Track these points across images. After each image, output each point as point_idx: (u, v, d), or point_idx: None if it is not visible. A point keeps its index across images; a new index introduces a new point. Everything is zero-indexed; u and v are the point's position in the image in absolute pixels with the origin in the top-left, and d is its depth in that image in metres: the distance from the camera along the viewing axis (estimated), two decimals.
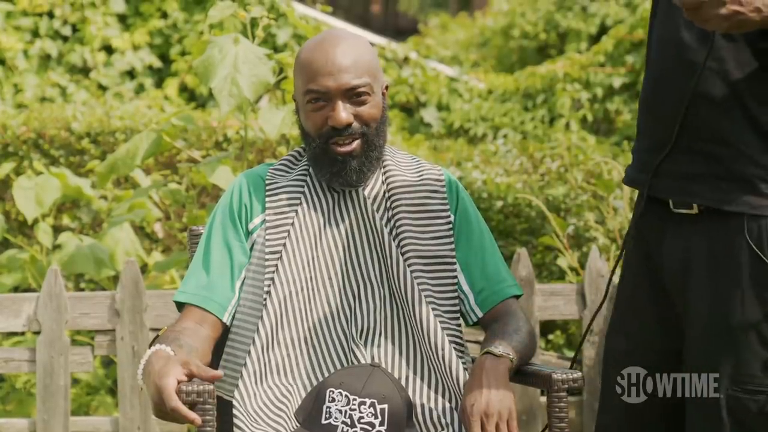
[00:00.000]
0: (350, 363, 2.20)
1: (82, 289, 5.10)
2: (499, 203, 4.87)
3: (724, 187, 2.08)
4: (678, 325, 2.20)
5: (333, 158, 2.21)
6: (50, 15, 7.38)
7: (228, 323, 2.24)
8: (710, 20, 1.94)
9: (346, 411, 2.10)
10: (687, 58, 2.12)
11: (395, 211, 2.28)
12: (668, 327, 2.22)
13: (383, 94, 2.28)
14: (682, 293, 2.16)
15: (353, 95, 2.20)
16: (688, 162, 2.12)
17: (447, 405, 2.19)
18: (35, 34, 7.38)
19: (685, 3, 1.94)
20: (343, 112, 2.19)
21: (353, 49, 2.22)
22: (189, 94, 7.36)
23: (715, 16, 1.93)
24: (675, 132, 2.12)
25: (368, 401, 2.11)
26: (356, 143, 2.21)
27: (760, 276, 2.06)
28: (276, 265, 2.21)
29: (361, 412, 2.10)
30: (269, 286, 2.20)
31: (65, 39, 7.43)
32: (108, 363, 4.58)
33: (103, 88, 7.36)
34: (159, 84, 7.48)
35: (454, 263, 2.28)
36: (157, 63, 7.43)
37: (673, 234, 2.17)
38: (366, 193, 2.28)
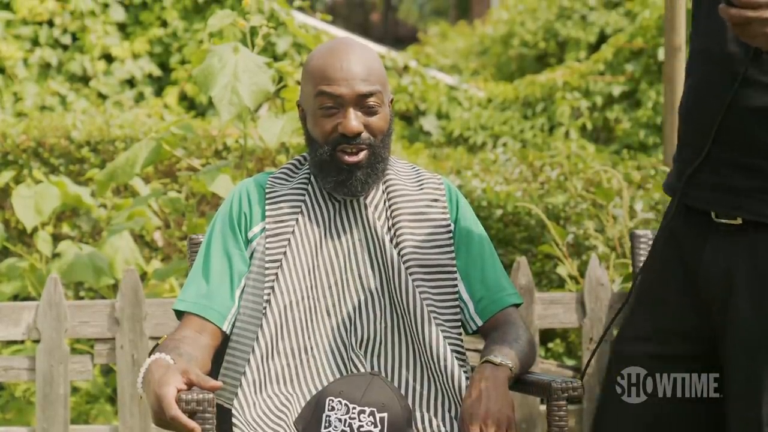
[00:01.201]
0: (350, 372, 2.20)
1: (82, 298, 5.10)
2: (499, 212, 4.87)
3: None
4: (707, 333, 2.18)
5: (339, 167, 2.21)
6: (50, 24, 7.39)
7: (228, 332, 2.23)
8: (757, 37, 1.94)
9: (345, 420, 2.10)
10: (731, 69, 2.11)
11: (396, 219, 2.28)
12: (697, 336, 2.20)
13: (389, 107, 2.28)
14: (723, 306, 2.14)
15: (365, 104, 2.20)
16: (734, 175, 2.11)
17: (447, 414, 2.18)
18: (35, 42, 7.39)
19: (732, 18, 1.93)
20: (354, 121, 2.19)
21: (366, 59, 2.23)
22: (189, 103, 7.37)
23: (763, 34, 1.93)
24: (710, 142, 2.11)
25: (368, 410, 2.11)
26: (363, 154, 2.20)
27: None
28: (276, 274, 2.21)
29: (360, 420, 2.10)
30: (269, 294, 2.20)
31: (65, 48, 7.44)
32: (107, 371, 4.58)
33: (102, 96, 7.37)
34: (159, 93, 7.49)
35: (455, 272, 2.28)
36: (157, 72, 7.44)
37: (715, 244, 2.15)
38: (367, 201, 2.28)
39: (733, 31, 1.96)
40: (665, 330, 2.25)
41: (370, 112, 2.21)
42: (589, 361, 2.37)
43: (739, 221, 2.11)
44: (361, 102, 2.20)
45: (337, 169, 2.21)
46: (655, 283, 2.29)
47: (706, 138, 2.12)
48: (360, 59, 2.21)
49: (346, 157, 2.20)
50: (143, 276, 4.72)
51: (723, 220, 2.13)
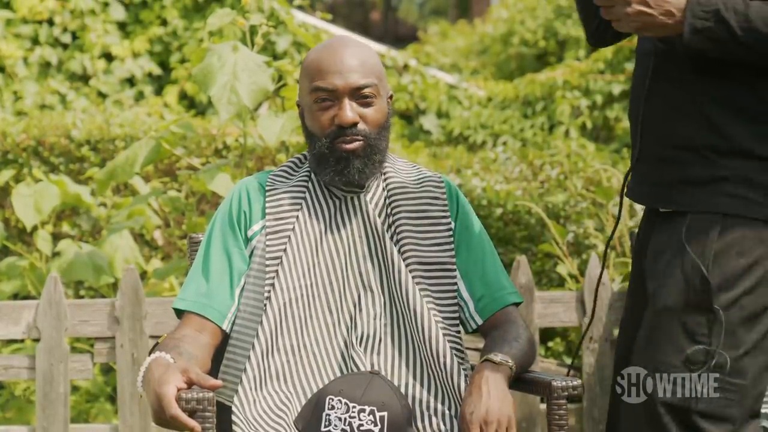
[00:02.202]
0: (350, 370, 2.20)
1: (82, 297, 5.10)
2: (499, 210, 4.87)
3: (689, 190, 2.11)
4: None
5: (337, 156, 2.21)
6: (50, 22, 7.39)
7: (227, 330, 2.24)
8: (621, 19, 1.99)
9: (345, 419, 2.10)
10: (647, 65, 2.16)
11: (396, 217, 2.28)
12: None
13: (387, 102, 2.29)
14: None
15: (360, 95, 2.21)
16: (659, 168, 2.16)
17: (447, 412, 2.19)
18: (35, 41, 7.38)
19: (597, 1, 2.00)
20: (350, 111, 2.20)
21: (361, 52, 2.25)
22: (189, 102, 7.36)
23: (624, 15, 1.98)
24: (639, 138, 2.17)
25: (368, 409, 2.11)
26: (359, 143, 2.21)
27: (691, 268, 2.08)
28: (276, 271, 2.21)
29: (360, 419, 2.10)
30: (269, 291, 2.20)
31: (65, 46, 7.44)
32: (107, 370, 4.58)
33: (102, 95, 7.37)
34: (159, 91, 7.49)
35: (455, 270, 2.28)
36: (157, 70, 7.44)
37: (655, 236, 2.20)
38: (367, 199, 2.28)
39: (604, 16, 2.02)
40: (630, 329, 2.29)
41: (365, 103, 2.22)
42: (575, 354, 2.40)
43: (670, 210, 2.15)
44: (356, 94, 2.21)
45: (335, 158, 2.22)
46: (631, 283, 2.35)
47: (636, 134, 2.18)
48: (354, 53, 2.24)
49: (344, 145, 2.21)
50: (143, 275, 4.71)
51: (666, 210, 2.17)
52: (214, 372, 2.25)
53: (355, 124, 2.21)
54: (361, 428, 2.10)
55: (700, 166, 2.10)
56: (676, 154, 2.13)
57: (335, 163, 2.22)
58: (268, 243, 2.24)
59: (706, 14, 1.96)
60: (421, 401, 2.20)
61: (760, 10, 1.95)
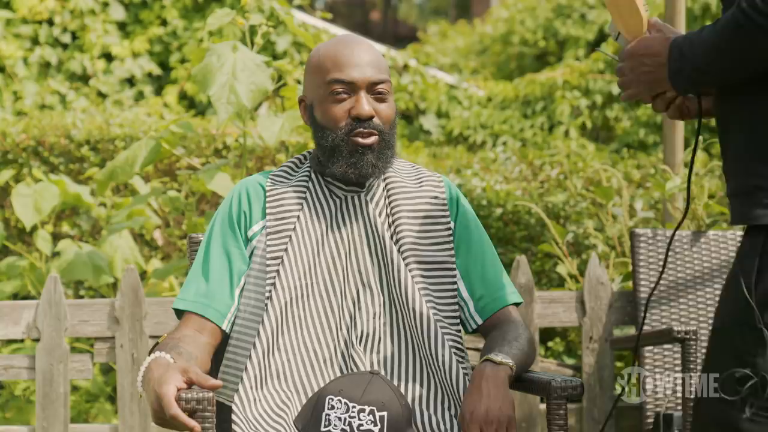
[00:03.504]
0: (350, 369, 2.20)
1: (82, 297, 5.10)
2: (499, 210, 4.87)
3: (733, 202, 2.09)
4: None
5: (353, 149, 2.22)
6: (50, 22, 7.39)
7: (227, 331, 2.24)
8: (633, 90, 2.02)
9: (345, 418, 2.10)
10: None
11: (395, 216, 2.28)
12: None
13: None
14: None
15: (375, 91, 2.24)
16: (727, 180, 2.14)
17: (446, 412, 2.19)
18: (35, 41, 7.39)
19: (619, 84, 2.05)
20: (367, 104, 2.22)
21: (374, 50, 2.30)
22: (188, 102, 7.37)
23: (630, 82, 2.02)
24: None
25: (367, 409, 2.11)
26: (374, 138, 2.23)
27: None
28: (277, 271, 2.21)
29: (360, 419, 2.10)
30: (270, 291, 2.20)
31: (65, 46, 7.44)
32: (107, 370, 4.58)
33: (102, 95, 7.37)
34: (158, 91, 7.49)
35: (454, 269, 2.29)
36: (157, 70, 7.44)
37: None
38: (368, 198, 2.29)
39: (624, 99, 2.07)
40: None
41: (379, 99, 2.25)
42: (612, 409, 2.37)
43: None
44: (371, 89, 2.24)
45: (350, 151, 2.23)
46: None
47: None
48: (368, 50, 2.27)
49: (360, 140, 2.22)
50: (143, 275, 4.72)
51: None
52: (214, 372, 2.25)
53: (371, 117, 2.22)
54: (361, 428, 2.10)
55: (741, 175, 2.07)
56: (728, 165, 2.11)
57: (349, 156, 2.23)
58: (268, 243, 2.24)
59: (677, 54, 1.95)
60: (420, 401, 2.20)
61: (700, 34, 1.93)
